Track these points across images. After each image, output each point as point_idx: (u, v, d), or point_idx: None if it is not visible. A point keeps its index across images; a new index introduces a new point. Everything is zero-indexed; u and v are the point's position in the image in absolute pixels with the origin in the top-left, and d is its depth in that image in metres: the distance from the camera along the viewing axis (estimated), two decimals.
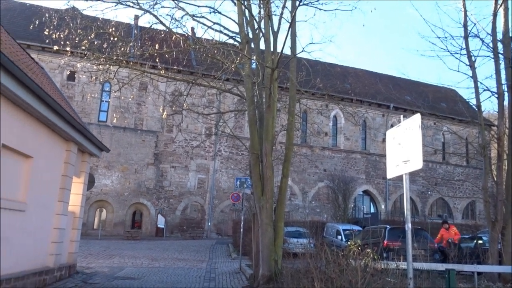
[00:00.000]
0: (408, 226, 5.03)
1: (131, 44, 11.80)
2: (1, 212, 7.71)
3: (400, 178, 5.53)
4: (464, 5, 12.90)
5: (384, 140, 34.58)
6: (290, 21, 10.03)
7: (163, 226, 28.32)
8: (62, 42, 11.25)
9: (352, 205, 33.09)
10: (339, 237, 19.76)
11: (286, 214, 27.51)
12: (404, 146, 5.14)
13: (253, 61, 11.37)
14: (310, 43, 10.31)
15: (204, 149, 30.70)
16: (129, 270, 13.78)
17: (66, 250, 11.67)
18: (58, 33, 11.13)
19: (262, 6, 11.32)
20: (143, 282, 11.50)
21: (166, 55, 11.78)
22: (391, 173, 5.53)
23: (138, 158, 29.23)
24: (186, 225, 29.44)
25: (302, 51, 10.35)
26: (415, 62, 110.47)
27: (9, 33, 10.48)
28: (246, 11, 11.55)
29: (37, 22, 14.01)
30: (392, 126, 33.18)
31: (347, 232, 19.34)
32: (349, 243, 6.24)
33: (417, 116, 5.02)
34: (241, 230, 16.19)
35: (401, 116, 5.59)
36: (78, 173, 12.37)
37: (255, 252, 11.33)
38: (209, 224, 30.11)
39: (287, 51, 11.66)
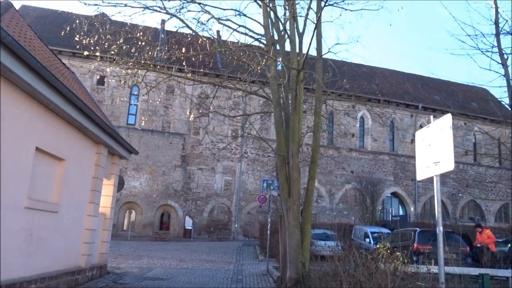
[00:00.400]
0: (439, 229, 4.91)
1: (158, 48, 11.98)
2: (35, 213, 7.96)
3: (430, 179, 5.40)
4: (495, 2, 12.51)
5: (412, 141, 33.86)
6: (315, 22, 9.96)
7: (190, 228, 28.61)
8: (92, 48, 11.52)
9: (380, 208, 32.59)
10: (367, 240, 19.48)
11: (313, 216, 27.31)
12: (435, 147, 5.02)
13: (278, 62, 11.36)
14: (336, 44, 10.25)
15: (231, 151, 30.87)
16: (158, 271, 13.97)
17: (97, 250, 11.94)
18: (88, 38, 11.41)
19: (287, 7, 11.31)
20: (172, 283, 11.63)
21: (193, 58, 11.93)
22: (421, 175, 5.41)
23: (165, 160, 29.65)
24: (213, 227, 29.65)
25: (328, 52, 10.30)
26: (444, 61, 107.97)
27: (41, 40, 10.81)
28: (271, 13, 11.55)
29: (68, 29, 14.40)
30: (421, 126, 32.50)
31: (375, 234, 19.05)
32: (378, 246, 6.14)
33: (448, 116, 4.90)
34: (268, 232, 16.16)
35: (431, 116, 5.47)
36: (108, 175, 12.65)
37: (282, 254, 11.29)
38: (236, 226, 30.22)
39: (313, 52, 11.59)
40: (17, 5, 30.41)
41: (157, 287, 10.93)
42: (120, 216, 28.30)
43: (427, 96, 29.90)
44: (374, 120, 31.30)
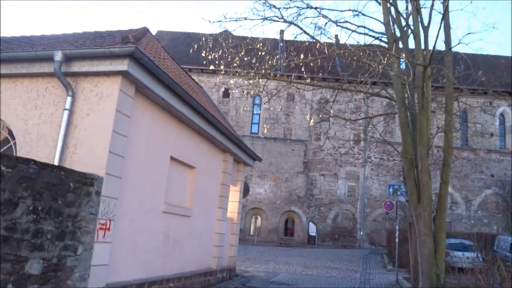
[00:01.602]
0: None
1: (277, 56, 12.23)
2: (171, 217, 8.69)
3: None
4: None
5: None
6: (442, 12, 9.19)
7: (314, 234, 28.53)
8: (217, 62, 12.26)
9: None
10: None
11: (447, 225, 25.12)
12: None
13: (402, 60, 10.73)
14: (467, 34, 9.26)
15: (353, 156, 30.12)
16: (284, 276, 14.16)
17: (226, 253, 12.57)
18: (213, 54, 12.16)
19: (409, 0, 10.65)
20: None
21: (311, 64, 11.90)
22: None
23: (288, 167, 30.12)
24: (337, 234, 29.16)
25: (459, 43, 9.40)
26: None
27: (174, 59, 11.86)
28: (392, 8, 11.00)
29: (195, 47, 15.56)
30: None
31: None
32: None
33: None
34: (396, 240, 15.32)
35: None
36: (234, 181, 13.27)
37: (413, 265, 10.56)
38: (361, 233, 29.27)
39: (440, 46, 10.73)
40: (153, 30, 33.99)
41: None
42: (246, 221, 29.48)
43: None
44: None
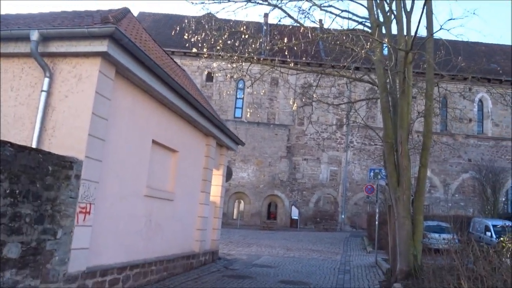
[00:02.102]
0: None
1: (261, 40, 12.15)
2: (154, 201, 8.67)
3: None
4: None
5: None
6: None
7: (297, 218, 28.87)
8: (199, 45, 12.12)
9: (503, 199, 29.45)
10: (488, 233, 17.76)
11: (426, 208, 25.70)
12: None
13: (384, 45, 10.78)
14: (449, 20, 9.34)
15: (336, 141, 30.39)
16: (266, 259, 14.33)
17: (209, 237, 12.63)
18: (196, 36, 12.01)
19: None
20: (279, 271, 11.85)
21: (295, 48, 11.87)
22: None
23: (271, 152, 30.23)
24: (319, 217, 29.55)
25: (440, 29, 9.49)
26: None
27: (155, 41, 11.68)
28: None
29: (178, 29, 15.33)
30: None
31: (498, 228, 17.25)
32: (501, 239, 5.54)
33: None
34: (376, 223, 15.61)
35: None
36: (217, 165, 13.27)
37: (392, 246, 10.80)
38: (343, 216, 29.74)
39: (422, 31, 10.82)
40: (134, 11, 33.29)
41: (266, 273, 11.21)
42: (230, 205, 29.62)
43: None
44: (495, 102, 28.27)
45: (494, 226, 17.91)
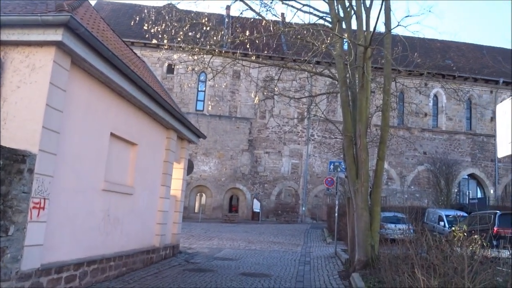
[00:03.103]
0: None
1: (222, 32, 12.07)
2: (112, 195, 8.47)
3: None
4: None
5: (492, 119, 31.52)
6: None
7: (258, 210, 29.04)
8: (160, 36, 11.89)
9: (456, 190, 30.88)
10: (442, 223, 18.59)
11: (383, 199, 26.53)
12: None
13: (344, 40, 10.98)
14: (406, 16, 9.66)
15: (297, 134, 30.74)
16: (227, 252, 14.35)
17: (170, 231, 12.50)
18: (156, 27, 11.77)
19: None
20: (241, 263, 11.90)
21: (257, 41, 11.88)
22: (503, 151, 4.97)
23: (233, 145, 30.20)
24: (280, 210, 29.88)
25: (398, 25, 9.76)
26: None
27: (114, 31, 11.34)
28: None
29: (137, 19, 14.97)
30: None
31: (450, 218, 18.09)
32: (453, 228, 5.80)
33: None
34: (336, 214, 15.94)
35: None
36: (178, 159, 13.11)
37: (351, 237, 11.09)
38: (304, 208, 30.20)
39: (381, 27, 11.08)
40: (92, 0, 32.17)
41: (227, 266, 11.23)
42: (191, 199, 29.40)
43: (509, 69, 27.47)
44: (449, 97, 29.48)
45: (447, 216, 18.75)
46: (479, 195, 31.83)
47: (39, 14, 5.94)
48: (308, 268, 11.61)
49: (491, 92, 32.48)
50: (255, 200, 29.52)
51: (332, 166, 16.59)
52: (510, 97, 4.89)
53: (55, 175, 6.28)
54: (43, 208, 5.98)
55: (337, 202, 16.15)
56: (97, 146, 7.83)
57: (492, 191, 31.41)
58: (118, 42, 10.61)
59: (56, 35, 5.96)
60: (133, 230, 9.70)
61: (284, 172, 30.54)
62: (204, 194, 30.24)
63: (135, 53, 13.25)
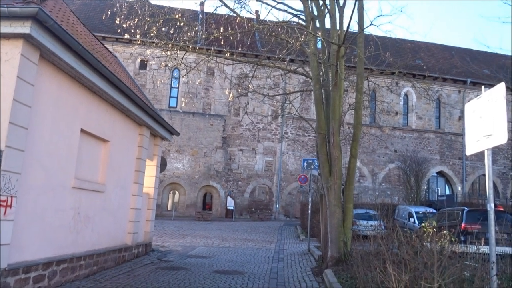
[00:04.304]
0: (491, 205, 4.65)
1: (196, 28, 11.96)
2: (82, 193, 8.28)
3: (478, 158, 5.12)
4: None
5: (460, 118, 32.47)
6: None
7: (232, 208, 29.01)
8: (132, 31, 11.69)
9: (425, 187, 31.68)
10: (412, 219, 19.03)
11: (355, 196, 26.97)
12: (486, 119, 4.72)
13: (318, 38, 11.07)
14: (378, 16, 9.83)
15: (271, 132, 30.84)
16: (201, 249, 14.28)
17: (142, 229, 12.32)
18: (128, 22, 11.56)
19: None
20: (214, 261, 11.86)
21: (231, 38, 11.84)
22: (471, 149, 5.12)
23: (207, 142, 30.03)
24: (254, 207, 29.94)
25: (370, 25, 9.87)
26: (496, 32, 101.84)
27: (84, 25, 11.05)
28: None
29: (109, 13, 14.66)
30: None
31: (420, 214, 18.55)
32: (423, 224, 5.94)
33: (501, 86, 4.57)
34: (309, 211, 16.11)
35: (482, 87, 5.12)
36: (151, 156, 12.93)
37: (324, 234, 11.22)
38: (277, 206, 30.35)
39: (354, 26, 11.22)
40: None
41: (200, 264, 11.17)
42: (164, 196, 29.09)
43: (477, 69, 28.35)
44: (419, 97, 30.21)
45: (416, 212, 19.21)
46: (447, 192, 32.76)
47: (5, 6, 5.73)
48: (281, 265, 11.67)
49: (459, 91, 33.44)
50: (229, 198, 29.47)
51: (305, 164, 16.73)
52: (478, 97, 5.04)
53: (23, 172, 6.08)
54: (10, 206, 5.79)
55: (310, 200, 16.30)
56: (67, 143, 7.63)
57: (460, 188, 32.39)
58: (89, 36, 10.35)
59: (24, 27, 5.77)
60: (105, 228, 9.52)
61: (258, 169, 30.60)
62: (177, 192, 29.97)
63: (106, 48, 12.96)
